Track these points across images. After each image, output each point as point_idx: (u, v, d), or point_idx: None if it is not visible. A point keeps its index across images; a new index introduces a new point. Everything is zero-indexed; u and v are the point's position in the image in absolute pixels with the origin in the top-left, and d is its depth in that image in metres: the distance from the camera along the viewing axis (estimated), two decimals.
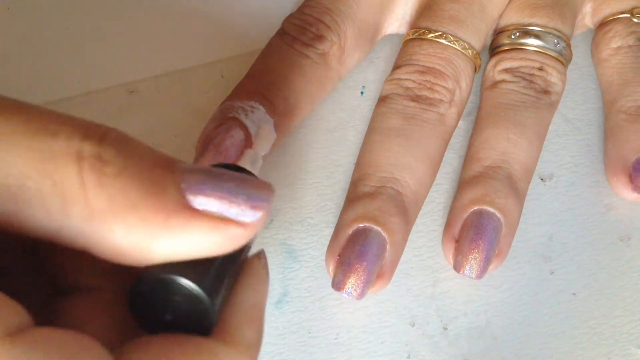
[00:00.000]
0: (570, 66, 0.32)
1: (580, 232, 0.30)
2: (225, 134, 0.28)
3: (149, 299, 0.17)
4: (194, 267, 0.17)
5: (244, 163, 0.22)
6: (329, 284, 0.28)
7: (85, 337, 0.16)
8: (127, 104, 0.33)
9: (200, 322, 0.17)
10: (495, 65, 0.32)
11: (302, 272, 0.29)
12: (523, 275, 0.29)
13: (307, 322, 0.28)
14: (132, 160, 0.16)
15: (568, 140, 0.32)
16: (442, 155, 0.30)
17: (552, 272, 0.29)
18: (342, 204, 0.29)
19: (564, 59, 0.32)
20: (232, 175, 0.18)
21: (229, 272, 0.18)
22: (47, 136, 0.16)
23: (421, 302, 0.29)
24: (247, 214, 0.17)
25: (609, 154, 0.31)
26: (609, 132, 0.32)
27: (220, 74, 0.33)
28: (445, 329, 0.28)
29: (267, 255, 0.29)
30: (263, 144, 0.25)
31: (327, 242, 0.28)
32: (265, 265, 0.20)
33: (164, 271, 0.17)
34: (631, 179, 0.30)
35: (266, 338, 0.28)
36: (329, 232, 0.29)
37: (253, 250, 0.20)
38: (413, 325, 0.28)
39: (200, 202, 0.17)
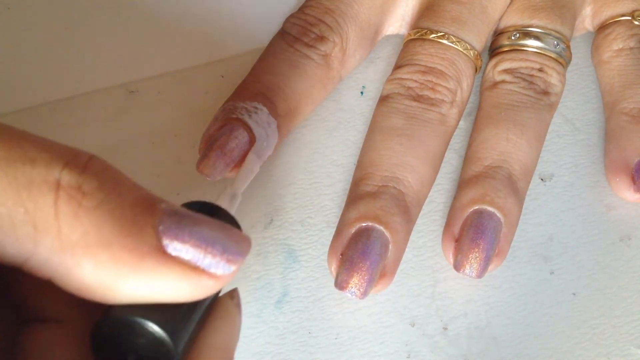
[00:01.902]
0: (570, 67, 0.33)
1: (580, 232, 0.30)
2: (229, 134, 0.27)
3: (112, 339, 0.17)
4: (159, 310, 0.17)
5: (222, 201, 0.22)
6: (329, 284, 0.28)
7: None
8: (127, 104, 0.33)
9: None
10: (495, 66, 0.32)
11: (302, 272, 0.29)
12: (523, 275, 0.29)
13: (307, 322, 0.28)
14: (113, 195, 0.16)
15: (568, 140, 0.32)
16: (443, 155, 0.30)
17: (552, 272, 0.29)
18: (342, 203, 0.29)
19: (563, 60, 0.32)
20: (212, 224, 0.17)
21: (196, 314, 0.18)
22: (25, 163, 0.15)
23: (421, 302, 0.29)
24: (220, 266, 0.17)
25: (611, 155, 0.31)
26: (610, 134, 0.32)
27: (220, 74, 0.33)
28: (445, 329, 0.28)
29: (267, 255, 0.29)
30: (243, 180, 0.25)
31: (327, 242, 0.28)
32: (238, 304, 0.19)
33: (128, 312, 0.17)
34: (633, 180, 0.30)
35: (266, 338, 0.28)
36: (329, 232, 0.29)
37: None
38: (413, 325, 0.28)
39: (176, 247, 0.17)
